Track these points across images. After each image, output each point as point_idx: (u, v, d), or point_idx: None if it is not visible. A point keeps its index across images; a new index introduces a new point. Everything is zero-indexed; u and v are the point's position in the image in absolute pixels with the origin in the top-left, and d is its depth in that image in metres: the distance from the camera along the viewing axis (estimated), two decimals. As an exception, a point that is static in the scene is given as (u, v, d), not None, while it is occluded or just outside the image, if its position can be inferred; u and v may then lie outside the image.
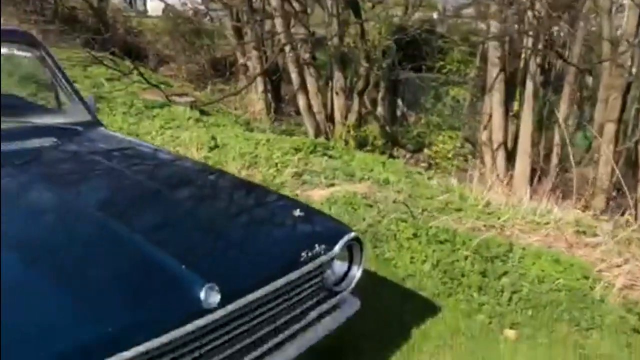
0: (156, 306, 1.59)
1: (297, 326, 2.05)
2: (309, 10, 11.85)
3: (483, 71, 11.66)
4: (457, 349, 2.94)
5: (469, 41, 12.50)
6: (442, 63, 13.68)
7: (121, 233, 1.80)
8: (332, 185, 5.57)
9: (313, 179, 5.69)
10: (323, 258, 2.09)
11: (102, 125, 3.04)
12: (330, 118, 12.59)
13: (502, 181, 8.96)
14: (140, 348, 1.48)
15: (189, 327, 1.60)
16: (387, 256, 3.89)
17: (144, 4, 23.70)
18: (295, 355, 2.02)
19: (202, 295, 1.63)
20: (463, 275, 3.61)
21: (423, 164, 11.99)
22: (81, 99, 3.03)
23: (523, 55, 10.86)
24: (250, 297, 1.78)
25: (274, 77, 13.37)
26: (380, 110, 13.96)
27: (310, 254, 2.03)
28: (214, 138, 6.52)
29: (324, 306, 2.19)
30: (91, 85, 9.30)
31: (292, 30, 11.20)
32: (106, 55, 10.79)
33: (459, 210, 5.02)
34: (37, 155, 2.48)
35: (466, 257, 3.77)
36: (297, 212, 2.28)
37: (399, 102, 15.13)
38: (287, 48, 11.37)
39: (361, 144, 12.03)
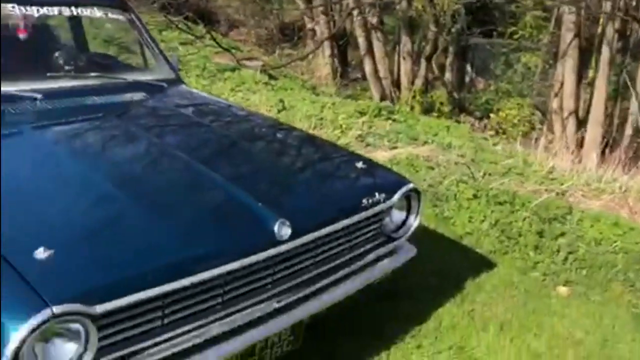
0: (236, 235, 1.84)
1: (356, 265, 2.27)
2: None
3: (557, 37, 11.27)
4: (509, 301, 3.09)
5: (543, 5, 12.03)
6: (513, 28, 13.26)
7: (205, 173, 2.06)
8: (395, 147, 5.71)
9: (376, 141, 5.84)
10: (382, 206, 2.29)
11: (183, 82, 3.32)
12: (396, 83, 12.59)
13: (570, 149, 8.78)
14: (224, 268, 1.74)
15: (263, 255, 1.84)
16: (447, 215, 4.04)
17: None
18: (354, 291, 2.25)
19: (275, 229, 1.87)
20: (520, 235, 3.72)
21: (490, 132, 11.82)
22: (166, 58, 3.31)
23: (601, 21, 10.42)
24: (316, 234, 2.00)
25: (341, 42, 13.40)
26: (448, 76, 13.78)
27: (370, 201, 2.23)
28: (281, 101, 6.76)
29: (382, 250, 2.39)
30: (166, 49, 9.72)
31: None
32: (180, 19, 11.19)
33: (521, 174, 5.06)
34: (130, 107, 2.78)
35: (524, 218, 3.86)
36: (360, 165, 2.48)
37: (468, 68, 14.85)
38: (355, 12, 11.40)
39: (427, 110, 11.98)
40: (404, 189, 2.38)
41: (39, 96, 2.53)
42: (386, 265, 2.42)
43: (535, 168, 5.45)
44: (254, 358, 1.97)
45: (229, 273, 1.77)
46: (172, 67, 3.28)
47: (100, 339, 1.53)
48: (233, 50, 10.55)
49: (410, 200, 2.47)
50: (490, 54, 14.42)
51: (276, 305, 1.96)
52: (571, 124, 10.36)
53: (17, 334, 1.37)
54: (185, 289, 1.68)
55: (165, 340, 1.69)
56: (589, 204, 4.26)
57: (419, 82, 12.41)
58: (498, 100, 13.19)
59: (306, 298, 2.06)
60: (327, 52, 12.95)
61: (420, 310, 2.91)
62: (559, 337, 2.83)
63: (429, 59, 12.12)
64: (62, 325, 1.46)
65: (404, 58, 12.37)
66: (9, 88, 2.51)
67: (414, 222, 2.50)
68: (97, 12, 3.16)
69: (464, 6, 11.87)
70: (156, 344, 1.67)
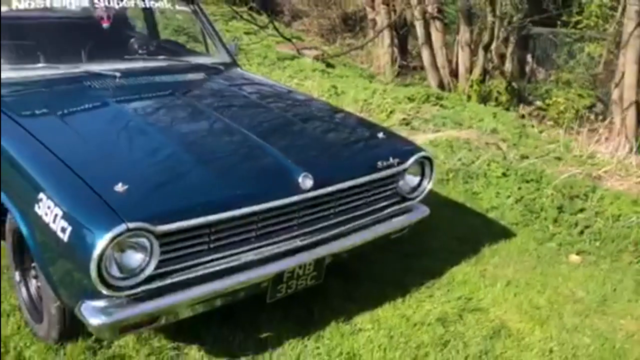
0: (269, 183, 2.30)
1: (372, 218, 2.69)
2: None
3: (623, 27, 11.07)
4: (520, 264, 3.42)
5: (610, -7, 11.80)
6: (578, 18, 13.06)
7: (246, 134, 2.54)
8: (439, 131, 6.02)
9: (421, 125, 6.17)
10: (396, 169, 2.69)
11: (238, 66, 3.81)
12: (454, 73, 12.72)
13: (628, 139, 8.72)
14: (257, 207, 2.21)
15: (288, 200, 2.30)
16: (475, 190, 4.37)
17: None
18: (370, 239, 2.67)
19: (300, 180, 2.32)
20: (542, 210, 4.01)
21: (549, 122, 11.77)
22: (224, 45, 3.82)
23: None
24: (334, 187, 2.44)
25: (401, 32, 13.62)
26: (508, 65, 13.74)
27: (385, 163, 2.64)
28: (334, 87, 7.19)
29: (396, 208, 2.80)
30: (231, 39, 10.35)
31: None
32: (246, 10, 11.80)
33: (558, 158, 5.27)
34: (191, 84, 3.31)
35: (548, 195, 4.13)
36: (381, 135, 2.89)
37: (529, 58, 14.72)
38: (414, 2, 11.61)
39: (484, 99, 12.05)
40: (416, 156, 2.77)
41: (118, 74, 3.08)
42: (401, 221, 2.83)
43: (576, 153, 5.63)
44: (282, 285, 2.43)
45: (261, 212, 2.24)
46: (229, 53, 3.79)
47: (161, 253, 2.03)
48: (294, 40, 11.05)
49: (424, 166, 2.86)
50: (553, 44, 14.21)
51: (300, 243, 2.41)
52: (631, 114, 10.22)
53: (101, 242, 1.88)
54: (227, 220, 2.16)
55: (210, 261, 2.18)
56: (615, 185, 4.46)
57: (476, 72, 12.45)
58: (558, 90, 13.06)
59: (327, 240, 2.50)
60: (387, 41, 13.18)
61: (438, 267, 3.30)
62: (561, 295, 3.14)
63: (486, 49, 12.16)
64: (133, 240, 1.97)
65: (462, 47, 12.45)
66: (94, 67, 3.09)
67: (427, 186, 2.89)
68: (167, 4, 3.69)
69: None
70: (203, 263, 2.17)
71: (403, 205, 2.83)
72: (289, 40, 10.79)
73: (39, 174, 2.19)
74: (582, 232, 3.78)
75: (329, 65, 10.43)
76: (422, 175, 2.87)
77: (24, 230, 2.23)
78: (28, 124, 2.53)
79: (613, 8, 13.10)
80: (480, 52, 12.44)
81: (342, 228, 2.56)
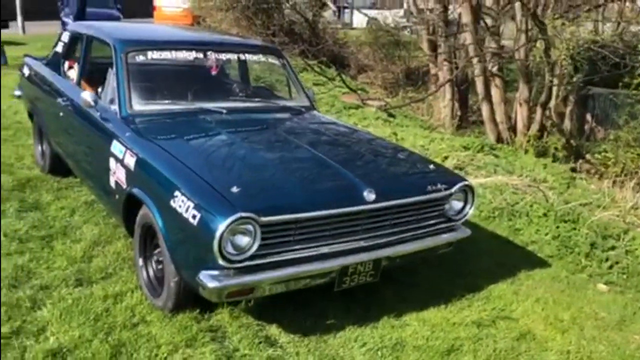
0: (341, 194, 3.00)
1: (422, 232, 3.33)
2: (500, 26, 12.61)
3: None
4: (550, 287, 3.92)
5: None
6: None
7: (324, 159, 3.27)
8: (489, 177, 6.57)
9: (473, 171, 6.75)
10: (442, 193, 3.34)
11: (316, 109, 4.60)
12: (512, 128, 13.20)
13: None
14: (331, 212, 2.90)
15: (355, 209, 2.99)
16: (517, 227, 4.90)
17: (350, 17, 26.14)
18: (420, 249, 3.31)
19: (364, 194, 3.01)
20: (576, 246, 4.50)
21: (607, 180, 11.98)
22: (304, 91, 4.62)
23: None
24: (391, 202, 3.11)
25: (462, 87, 14.29)
26: (567, 123, 14.09)
27: (433, 188, 3.30)
28: (394, 133, 7.90)
29: (442, 226, 3.43)
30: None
31: (483, 44, 12.07)
32: (316, 63, 12.83)
33: (600, 207, 5.71)
34: (279, 121, 4.10)
35: (583, 234, 4.62)
36: (432, 166, 3.56)
37: (588, 117, 15.03)
38: (475, 60, 12.31)
39: (541, 155, 12.43)
40: (460, 184, 3.41)
41: (224, 111, 3.91)
42: (446, 238, 3.46)
43: (620, 203, 6.04)
44: (346, 278, 3.09)
45: (334, 215, 2.94)
46: (309, 98, 4.58)
47: (261, 239, 2.74)
48: (359, 92, 11.93)
49: (467, 194, 3.49)
50: (613, 104, 14.49)
51: (363, 244, 3.08)
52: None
53: (222, 225, 2.62)
54: (308, 219, 2.87)
55: (294, 250, 2.88)
56: (650, 230, 4.88)
57: (534, 128, 12.90)
58: (618, 149, 13.26)
59: (384, 245, 3.16)
60: (448, 95, 13.86)
61: (478, 284, 3.86)
62: (584, 313, 3.63)
63: (544, 106, 12.63)
64: (243, 226, 2.70)
65: (520, 104, 12.97)
66: (207, 105, 3.94)
67: (469, 210, 3.51)
68: (262, 58, 4.55)
69: (587, 57, 12.31)
70: (289, 250, 2.87)
71: (449, 225, 3.46)
72: (354, 91, 11.66)
73: (175, 177, 2.98)
74: (611, 267, 4.24)
75: (390, 115, 11.18)
76: (465, 201, 3.50)
77: (159, 219, 3.00)
78: (161, 142, 3.36)
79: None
80: (538, 110, 12.93)
81: (397, 237, 3.22)
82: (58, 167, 5.03)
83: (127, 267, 3.71)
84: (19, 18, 17.35)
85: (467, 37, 12.19)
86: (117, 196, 3.53)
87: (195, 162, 3.13)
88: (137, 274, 3.50)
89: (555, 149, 13.18)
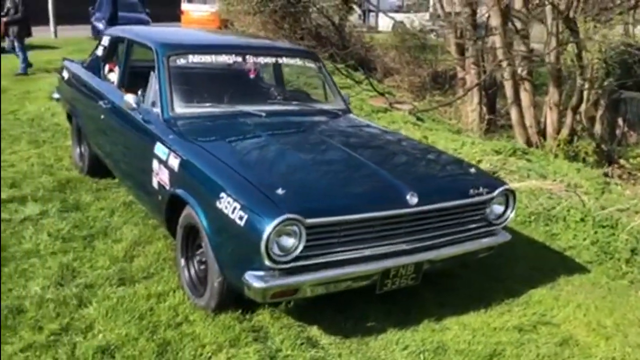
0: (385, 197, 3.01)
1: (464, 236, 3.32)
2: (529, 29, 12.49)
3: None
4: (591, 293, 3.87)
5: None
6: (673, 83, 13.08)
7: (365, 162, 3.29)
8: (523, 181, 6.51)
9: (506, 175, 6.69)
10: (484, 197, 3.33)
11: (352, 112, 4.61)
12: (542, 132, 13.05)
13: None
14: (374, 214, 2.91)
15: (398, 212, 2.99)
16: (554, 232, 4.85)
17: (376, 20, 26.15)
18: (461, 253, 3.30)
19: (407, 197, 3.01)
20: (615, 252, 4.43)
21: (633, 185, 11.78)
22: (340, 94, 4.64)
23: None
24: (434, 206, 3.11)
25: (490, 91, 14.16)
26: (597, 127, 13.88)
27: (476, 192, 3.29)
28: (425, 137, 7.86)
29: (483, 230, 3.41)
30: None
31: (512, 47, 11.97)
32: (343, 67, 12.85)
33: (638, 212, 5.61)
34: (317, 124, 4.12)
35: (623, 239, 4.54)
36: (473, 170, 3.55)
37: (620, 121, 14.78)
38: (504, 64, 12.21)
39: (571, 159, 12.27)
40: (502, 188, 3.40)
41: (263, 114, 3.95)
42: (487, 242, 3.44)
43: (658, 209, 5.92)
44: (388, 280, 3.09)
45: (378, 218, 2.95)
46: (344, 101, 4.60)
47: (306, 240, 2.77)
48: (386, 95, 11.91)
49: (508, 198, 3.46)
50: (646, 108, 14.25)
51: (405, 247, 3.08)
52: None
53: (270, 226, 2.65)
54: (351, 222, 2.88)
55: (337, 252, 2.90)
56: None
57: (564, 132, 12.72)
58: (650, 153, 13.02)
59: (426, 248, 3.16)
60: (475, 99, 13.74)
61: (517, 289, 3.83)
62: (627, 319, 3.57)
63: (574, 110, 12.45)
64: (288, 228, 2.72)
65: (550, 108, 12.80)
66: (247, 108, 3.98)
67: (509, 215, 3.48)
68: (299, 61, 4.59)
69: (618, 60, 12.12)
70: (333, 252, 2.89)
71: (489, 229, 3.44)
72: (382, 94, 11.65)
73: (220, 179, 3.02)
74: (653, 273, 4.17)
75: (419, 119, 11.14)
76: (506, 205, 3.48)
77: (204, 220, 3.05)
78: (204, 144, 3.41)
79: None
80: (569, 113, 12.76)
81: (439, 240, 3.21)
82: (97, 168, 5.13)
83: (167, 267, 3.77)
84: (52, 22, 17.72)
85: (496, 41, 12.10)
86: (159, 197, 3.59)
87: (239, 163, 3.17)
88: (178, 274, 3.56)
89: (586, 153, 12.97)
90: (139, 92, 4.15)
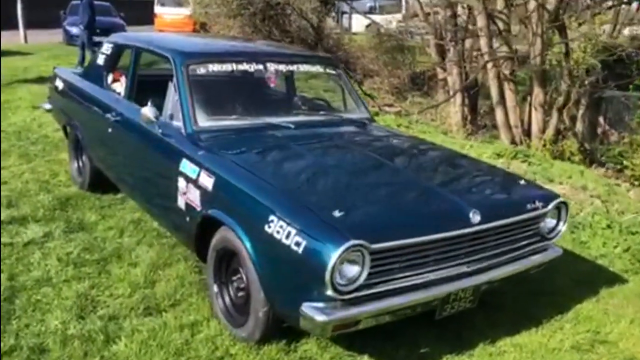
0: (446, 216, 2.80)
1: (519, 253, 3.13)
2: (512, 29, 12.49)
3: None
4: (639, 306, 3.73)
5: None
6: (652, 82, 13.25)
7: (412, 176, 3.13)
8: (533, 186, 6.40)
9: (515, 179, 6.57)
10: (541, 211, 3.15)
11: (375, 121, 4.39)
12: (526, 132, 13.08)
13: None
14: (435, 236, 2.70)
15: (461, 232, 2.78)
16: (583, 240, 4.72)
17: (349, 22, 26.02)
18: (517, 271, 3.11)
19: (470, 215, 2.80)
20: (651, 260, 4.32)
21: (625, 183, 11.88)
22: (363, 103, 4.42)
23: None
24: (497, 223, 2.91)
25: (472, 92, 14.14)
26: (579, 126, 13.98)
27: (532, 206, 3.11)
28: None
29: (537, 246, 3.24)
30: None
31: (495, 47, 11.95)
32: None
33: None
34: (345, 135, 3.88)
35: (656, 247, 4.44)
36: (522, 182, 3.37)
37: (600, 120, 14.94)
38: (489, 65, 12.18)
39: (556, 159, 12.31)
40: (556, 201, 3.23)
41: (292, 125, 3.70)
42: (540, 258, 3.26)
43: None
44: (447, 305, 2.88)
45: (440, 240, 2.73)
46: (367, 110, 4.38)
47: (370, 267, 2.53)
48: (367, 98, 11.74)
49: (561, 210, 3.30)
50: (626, 107, 14.42)
51: (466, 269, 2.88)
52: None
53: (335, 254, 2.40)
54: (415, 245, 2.66)
55: (399, 278, 2.67)
56: None
57: (549, 132, 12.77)
58: (632, 152, 13.16)
59: (485, 269, 2.96)
60: (458, 101, 13.71)
61: (562, 304, 3.66)
62: (683, 334, 3.44)
63: (560, 110, 12.51)
64: (352, 254, 2.48)
65: (535, 108, 12.84)
66: (273, 119, 3.72)
67: (562, 228, 3.32)
68: (320, 69, 4.35)
69: (600, 60, 12.21)
70: (394, 279, 2.66)
71: (542, 244, 3.27)
72: (371, 97, 11.47)
73: (267, 200, 2.76)
74: (693, 281, 4.07)
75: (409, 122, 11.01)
76: (559, 218, 3.31)
77: (248, 245, 2.78)
78: (239, 161, 3.14)
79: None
80: (554, 113, 12.79)
81: (496, 260, 3.02)
82: (98, 183, 4.80)
83: (194, 292, 3.49)
84: (21, 27, 17.03)
85: (481, 42, 12.06)
86: (187, 218, 3.31)
87: (283, 182, 2.92)
88: (211, 302, 3.28)
89: (571, 152, 13.05)
90: (149, 103, 3.84)
